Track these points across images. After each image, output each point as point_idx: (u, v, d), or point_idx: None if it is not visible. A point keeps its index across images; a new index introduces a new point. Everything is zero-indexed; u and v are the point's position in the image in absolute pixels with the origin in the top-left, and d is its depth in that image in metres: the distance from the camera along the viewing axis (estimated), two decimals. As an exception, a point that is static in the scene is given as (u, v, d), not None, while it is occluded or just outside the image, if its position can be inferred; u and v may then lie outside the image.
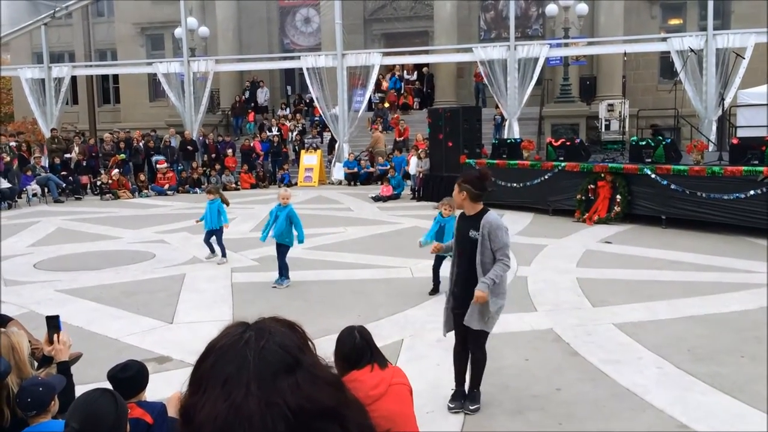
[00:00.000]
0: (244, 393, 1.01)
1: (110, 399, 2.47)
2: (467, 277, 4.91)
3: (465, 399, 5.00)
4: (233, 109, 25.98)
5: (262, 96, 26.71)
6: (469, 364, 5.06)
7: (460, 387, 5.07)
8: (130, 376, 3.26)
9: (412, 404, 3.39)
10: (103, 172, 20.32)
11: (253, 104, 26.53)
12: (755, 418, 4.69)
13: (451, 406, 4.99)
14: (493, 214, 4.94)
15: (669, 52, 19.04)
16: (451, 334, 5.15)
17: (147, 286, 8.90)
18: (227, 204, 10.42)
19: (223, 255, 10.12)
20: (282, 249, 8.75)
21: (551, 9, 20.71)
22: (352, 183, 20.80)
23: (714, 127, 18.05)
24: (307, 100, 26.13)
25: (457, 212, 5.33)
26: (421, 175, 17.47)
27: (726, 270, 8.90)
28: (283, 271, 8.77)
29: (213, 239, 10.23)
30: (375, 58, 21.23)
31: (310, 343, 1.13)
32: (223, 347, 1.08)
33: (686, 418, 4.69)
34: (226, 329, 1.12)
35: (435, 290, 8.15)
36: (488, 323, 4.91)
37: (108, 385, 3.11)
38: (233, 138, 24.17)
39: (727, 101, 16.21)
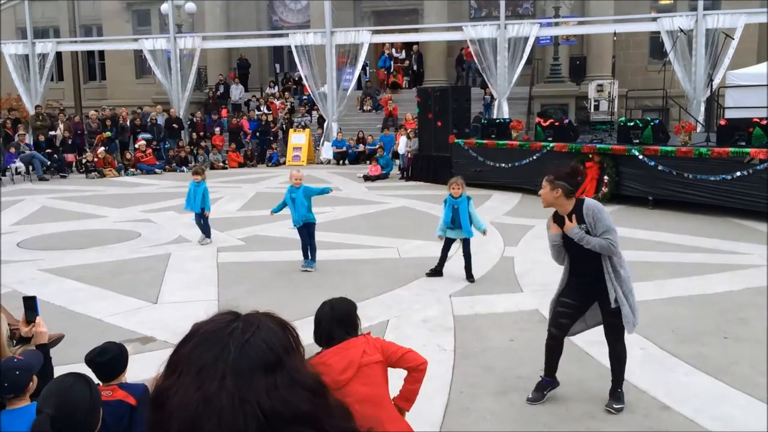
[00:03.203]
0: (218, 385, 0.97)
1: (84, 384, 2.42)
2: (592, 280, 4.61)
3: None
4: (206, 105, 25.08)
5: (237, 93, 25.84)
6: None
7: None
8: (109, 359, 3.20)
9: (385, 381, 3.21)
10: (88, 149, 20.07)
11: (228, 99, 25.62)
12: (738, 399, 4.72)
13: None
14: (592, 200, 4.64)
15: (659, 32, 18.96)
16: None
17: (132, 265, 8.82)
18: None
19: (207, 236, 9.93)
20: (310, 229, 8.37)
21: (542, -12, 20.55)
22: (341, 162, 20.69)
23: (702, 108, 18.05)
24: (296, 78, 25.84)
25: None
26: (410, 154, 17.40)
27: (711, 251, 8.94)
28: (313, 253, 8.44)
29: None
30: (364, 36, 21.01)
31: (299, 346, 1.08)
32: (207, 333, 1.03)
33: (669, 399, 4.72)
34: (214, 315, 1.07)
35: (436, 272, 7.87)
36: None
37: (85, 369, 3.06)
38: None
39: (716, 82, 16.20)
